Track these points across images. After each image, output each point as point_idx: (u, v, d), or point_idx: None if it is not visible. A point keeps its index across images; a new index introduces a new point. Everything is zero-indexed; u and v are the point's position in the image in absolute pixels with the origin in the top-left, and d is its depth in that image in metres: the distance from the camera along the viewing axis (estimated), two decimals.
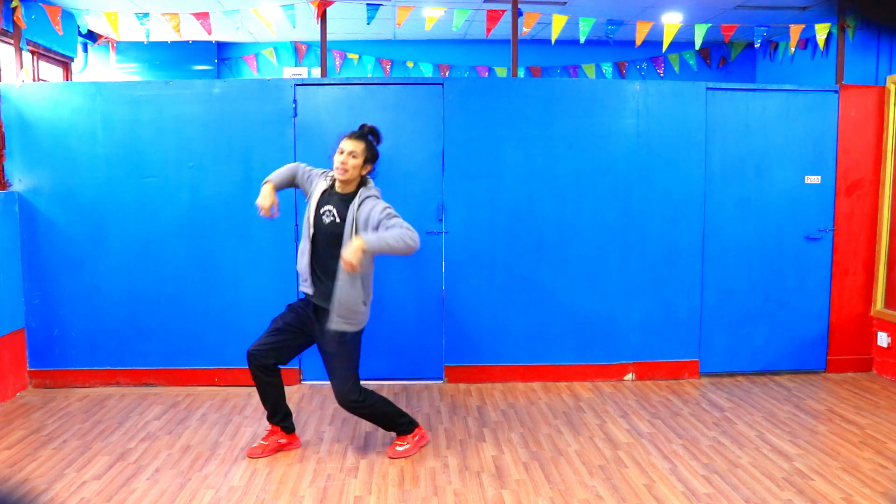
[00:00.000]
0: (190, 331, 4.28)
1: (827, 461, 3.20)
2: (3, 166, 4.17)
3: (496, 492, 2.89)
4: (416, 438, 3.32)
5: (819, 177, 4.49)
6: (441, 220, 4.30)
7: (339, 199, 3.14)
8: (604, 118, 4.32)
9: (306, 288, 3.20)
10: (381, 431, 3.55)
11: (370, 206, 3.07)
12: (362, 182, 3.19)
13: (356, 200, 3.09)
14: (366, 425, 3.64)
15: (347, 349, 3.13)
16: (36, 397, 4.11)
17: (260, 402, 3.32)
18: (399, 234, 2.95)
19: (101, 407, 3.94)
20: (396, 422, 3.28)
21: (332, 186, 3.18)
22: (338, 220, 3.09)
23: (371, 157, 3.16)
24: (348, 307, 3.07)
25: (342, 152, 3.10)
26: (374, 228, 3.02)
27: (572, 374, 4.44)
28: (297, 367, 4.35)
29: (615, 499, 2.83)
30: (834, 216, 4.51)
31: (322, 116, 4.24)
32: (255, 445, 3.30)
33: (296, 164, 3.37)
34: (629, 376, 4.48)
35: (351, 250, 2.86)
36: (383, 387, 4.30)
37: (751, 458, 3.24)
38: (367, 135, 3.18)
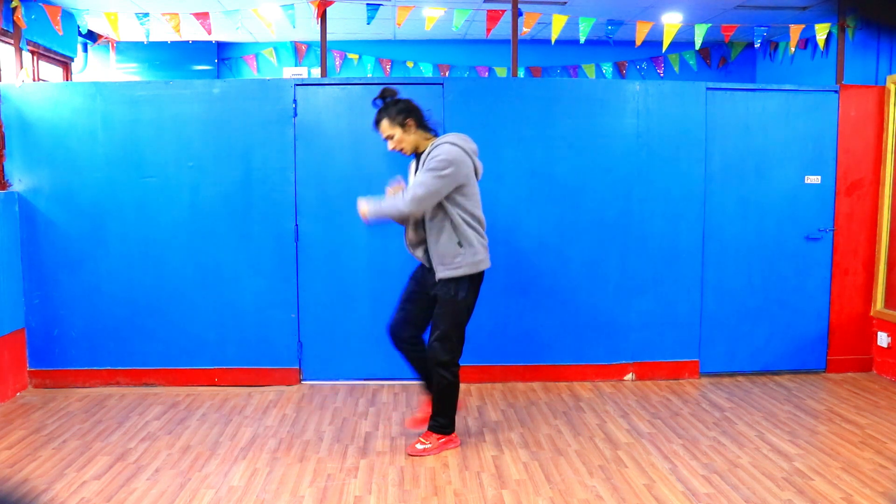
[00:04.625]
0: (190, 331, 4.28)
1: (827, 461, 3.20)
2: (3, 166, 4.18)
3: (496, 492, 2.89)
4: (442, 441, 3.30)
5: (819, 177, 4.49)
6: None
7: (418, 163, 3.26)
8: (604, 118, 4.32)
9: (419, 257, 3.33)
10: (381, 431, 3.55)
11: (429, 153, 3.15)
12: (432, 136, 3.27)
13: (423, 155, 3.19)
14: (366, 425, 3.64)
15: (453, 309, 3.19)
16: (36, 397, 4.11)
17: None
18: (392, 202, 3.13)
19: (101, 407, 3.94)
20: (448, 413, 3.29)
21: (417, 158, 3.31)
22: None
23: (402, 118, 3.17)
24: (442, 254, 3.16)
25: (386, 140, 3.24)
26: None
27: (572, 374, 4.44)
28: (297, 368, 4.34)
29: (615, 499, 2.83)
30: (834, 216, 4.51)
31: (322, 116, 4.24)
32: (410, 419, 3.50)
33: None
34: (629, 376, 4.48)
35: (364, 206, 3.16)
36: (383, 387, 4.30)
37: (751, 458, 3.24)
38: (383, 111, 3.20)
